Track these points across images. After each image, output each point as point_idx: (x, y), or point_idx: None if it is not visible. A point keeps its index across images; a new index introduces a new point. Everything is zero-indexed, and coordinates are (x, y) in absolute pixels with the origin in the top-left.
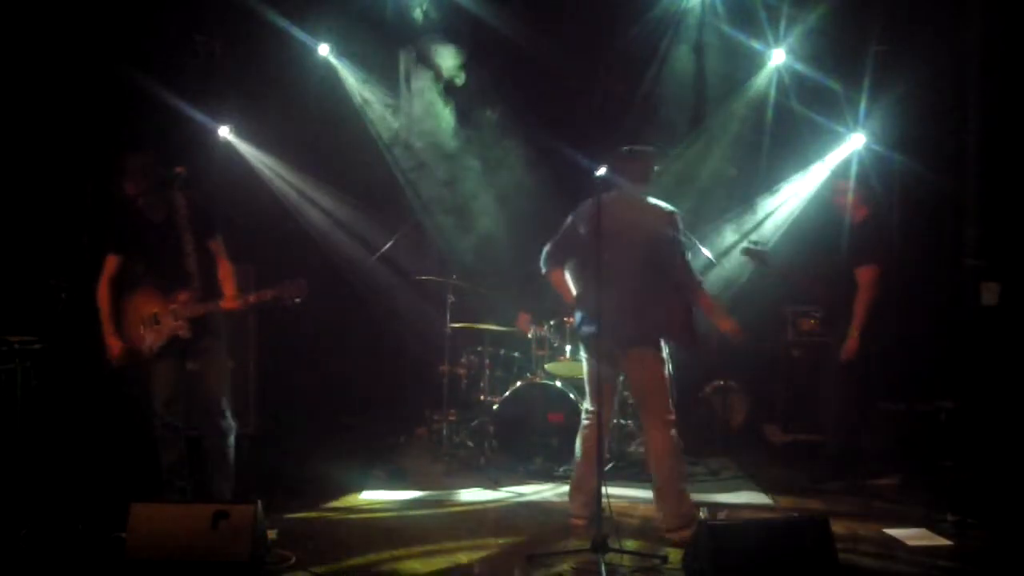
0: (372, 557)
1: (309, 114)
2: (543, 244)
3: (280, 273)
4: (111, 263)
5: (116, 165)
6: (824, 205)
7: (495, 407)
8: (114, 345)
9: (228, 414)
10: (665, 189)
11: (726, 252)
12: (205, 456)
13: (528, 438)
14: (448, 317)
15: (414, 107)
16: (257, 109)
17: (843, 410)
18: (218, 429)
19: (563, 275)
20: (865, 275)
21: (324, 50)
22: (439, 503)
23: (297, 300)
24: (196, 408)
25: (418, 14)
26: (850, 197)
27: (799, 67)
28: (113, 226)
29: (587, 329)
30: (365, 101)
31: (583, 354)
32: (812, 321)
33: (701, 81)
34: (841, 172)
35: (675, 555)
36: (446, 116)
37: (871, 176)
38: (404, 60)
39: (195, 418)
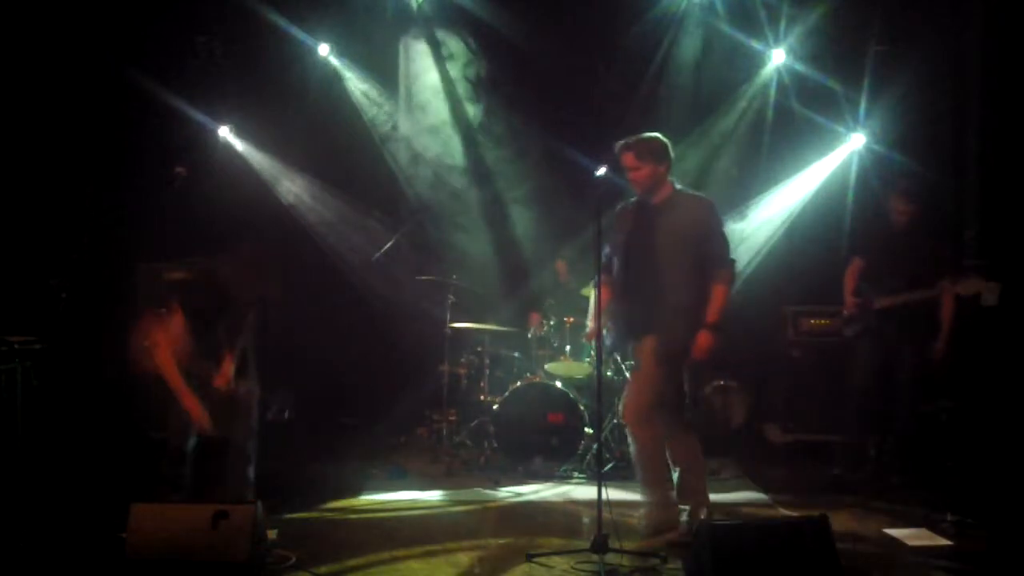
0: (372, 557)
1: (309, 114)
2: (543, 243)
3: (280, 273)
4: (179, 322)
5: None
6: (823, 205)
7: (495, 407)
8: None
9: None
10: None
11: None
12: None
13: (528, 438)
14: (448, 317)
15: (414, 105)
16: (257, 109)
17: (913, 409)
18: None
19: None
20: (948, 288)
21: (324, 50)
22: (439, 503)
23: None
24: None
25: (416, 5)
26: (914, 209)
27: (799, 67)
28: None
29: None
30: (365, 100)
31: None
32: (824, 321)
33: (701, 81)
34: (903, 189)
35: (675, 555)
36: (446, 115)
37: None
38: (404, 55)
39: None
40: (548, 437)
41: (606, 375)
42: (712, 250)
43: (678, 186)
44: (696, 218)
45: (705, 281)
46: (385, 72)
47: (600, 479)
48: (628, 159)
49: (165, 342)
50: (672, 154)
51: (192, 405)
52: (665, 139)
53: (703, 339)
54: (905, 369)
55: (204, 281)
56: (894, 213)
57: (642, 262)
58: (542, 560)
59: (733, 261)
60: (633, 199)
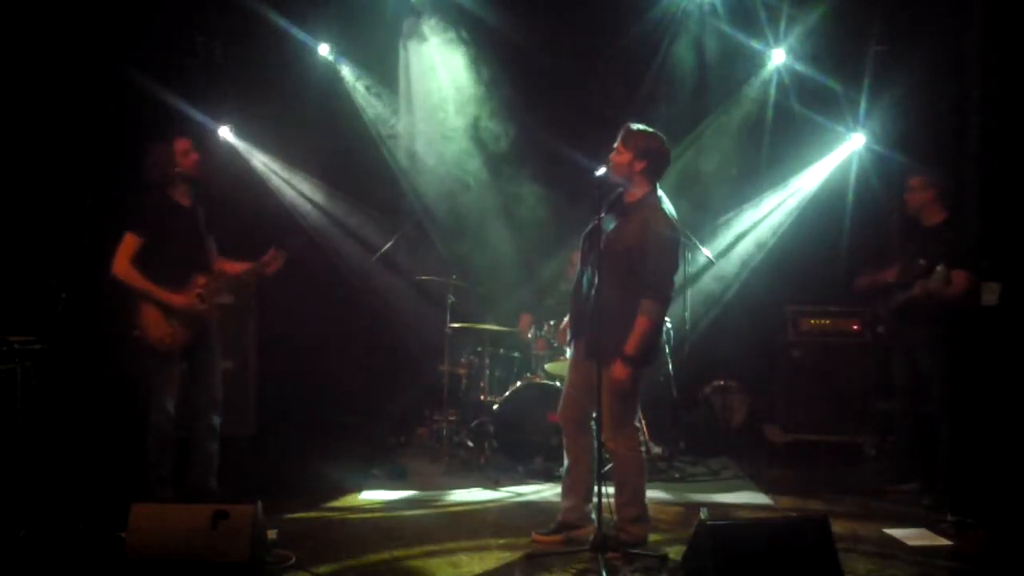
0: (372, 557)
1: (309, 114)
2: (542, 244)
3: (280, 273)
4: (131, 244)
5: (158, 148)
6: (823, 205)
7: (495, 407)
8: (179, 298)
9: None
10: (666, 190)
11: (725, 252)
12: (198, 455)
13: (528, 438)
14: (448, 317)
15: (414, 104)
16: (257, 109)
17: (943, 407)
18: (216, 428)
19: None
20: (961, 279)
21: (324, 50)
22: (439, 503)
23: (297, 253)
24: (200, 406)
25: (416, 5)
26: (925, 196)
27: (799, 67)
28: (140, 208)
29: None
30: (365, 100)
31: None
32: (824, 321)
33: (701, 81)
34: (916, 168)
35: (675, 555)
36: (446, 114)
37: (943, 177)
38: (404, 55)
39: (196, 416)
40: (548, 437)
41: None
42: (644, 273)
43: (659, 194)
44: (646, 231)
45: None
46: (385, 71)
47: (600, 479)
48: (618, 140)
49: (122, 257)
50: (660, 158)
51: (170, 297)
52: (660, 140)
53: (617, 370)
54: (927, 374)
55: (145, 196)
56: (906, 191)
57: (588, 262)
58: (542, 560)
59: (665, 296)
60: (619, 189)
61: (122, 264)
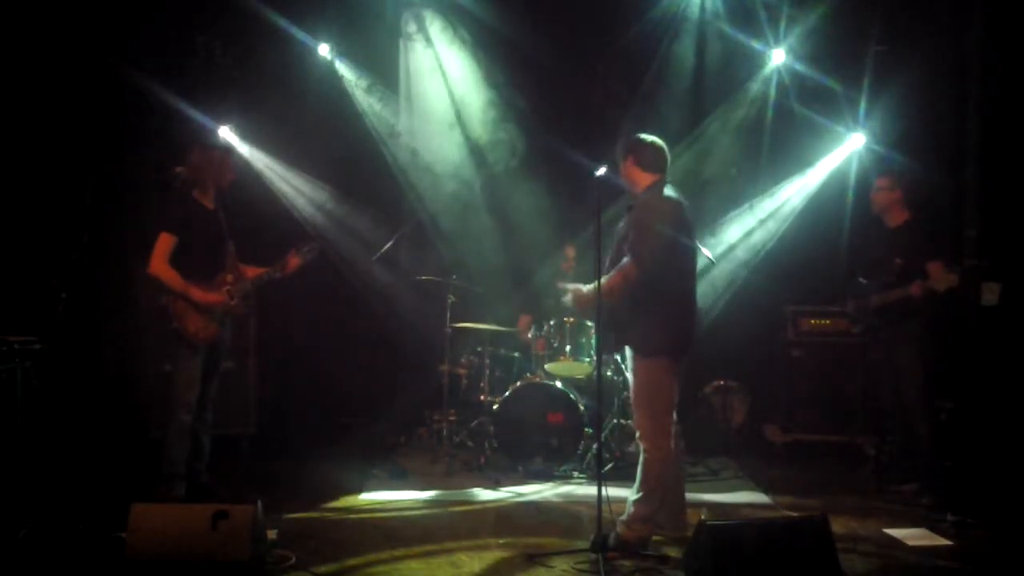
0: (372, 557)
1: (309, 114)
2: (543, 244)
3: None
4: (166, 243)
5: (208, 152)
6: (823, 205)
7: (495, 407)
8: (211, 296)
9: None
10: None
11: (726, 253)
12: (200, 450)
13: (528, 438)
14: (448, 317)
15: (414, 105)
16: (257, 109)
17: (920, 403)
18: (209, 422)
19: None
20: (937, 269)
21: (324, 50)
22: (439, 503)
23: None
24: (203, 400)
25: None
26: (892, 196)
27: (799, 67)
28: (170, 207)
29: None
30: (365, 100)
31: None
32: (824, 321)
33: (701, 81)
34: (887, 169)
35: (675, 555)
36: (446, 114)
37: (908, 176)
38: (404, 55)
39: (208, 415)
40: (548, 437)
41: (606, 375)
42: (628, 247)
43: (665, 189)
44: (630, 219)
45: (637, 292)
46: (385, 72)
47: (600, 479)
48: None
49: (159, 257)
50: (641, 149)
51: (203, 296)
52: (639, 138)
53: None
54: (903, 371)
55: (173, 196)
56: (872, 191)
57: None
58: (542, 560)
59: (641, 256)
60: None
61: (159, 263)
